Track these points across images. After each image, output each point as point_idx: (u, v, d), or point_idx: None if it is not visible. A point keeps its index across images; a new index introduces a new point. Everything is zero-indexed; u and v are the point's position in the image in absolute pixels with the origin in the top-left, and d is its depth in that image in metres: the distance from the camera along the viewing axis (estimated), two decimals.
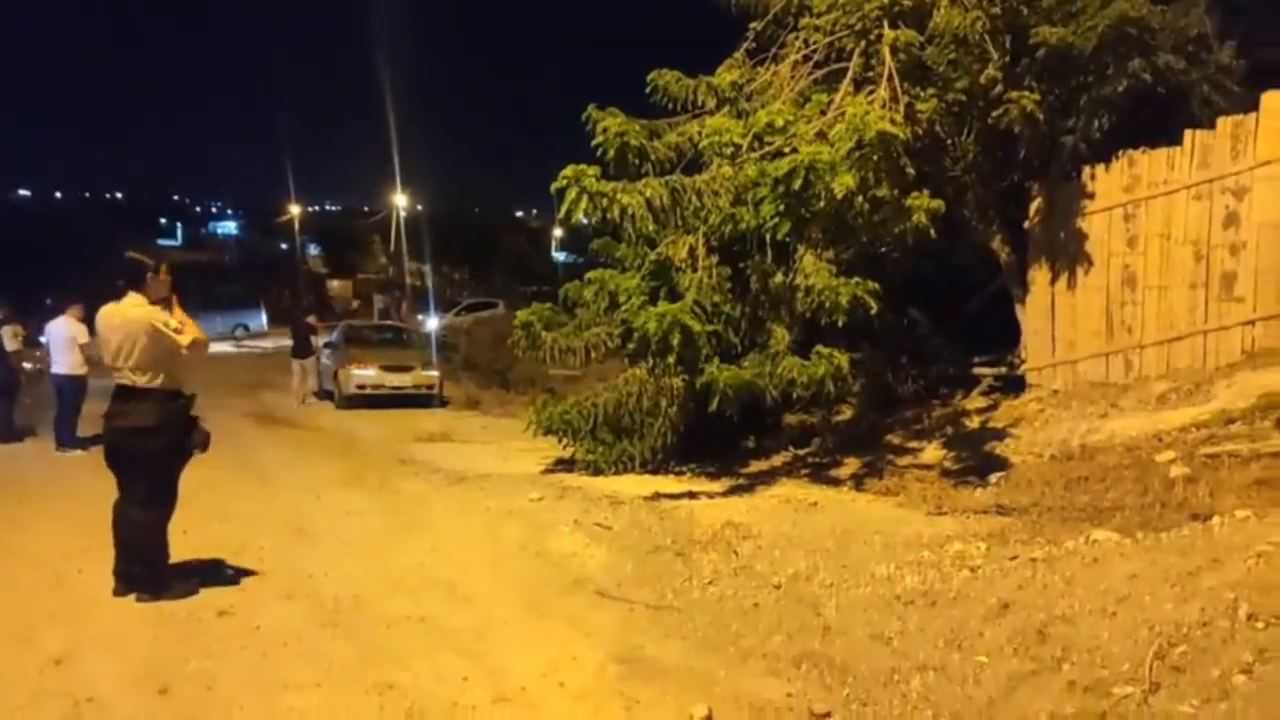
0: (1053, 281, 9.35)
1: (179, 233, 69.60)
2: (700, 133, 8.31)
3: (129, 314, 4.97)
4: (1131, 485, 6.24)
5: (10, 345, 11.10)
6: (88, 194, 76.37)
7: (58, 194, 75.14)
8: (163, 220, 70.33)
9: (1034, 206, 9.49)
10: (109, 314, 5.05)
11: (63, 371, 10.53)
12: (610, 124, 7.90)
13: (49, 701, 3.67)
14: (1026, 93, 8.40)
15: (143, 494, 5.03)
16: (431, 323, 27.39)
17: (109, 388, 5.14)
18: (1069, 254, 9.21)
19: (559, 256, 50.63)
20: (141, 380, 4.95)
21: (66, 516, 6.99)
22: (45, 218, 55.07)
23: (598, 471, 8.67)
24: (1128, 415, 7.85)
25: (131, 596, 4.93)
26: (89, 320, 10.01)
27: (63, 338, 10.55)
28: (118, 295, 5.07)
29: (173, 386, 5.07)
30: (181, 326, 5.02)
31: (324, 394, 16.65)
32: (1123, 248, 8.91)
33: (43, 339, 11.89)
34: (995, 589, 4.26)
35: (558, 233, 52.60)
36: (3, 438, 11.03)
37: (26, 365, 13.69)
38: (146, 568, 4.98)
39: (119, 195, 77.04)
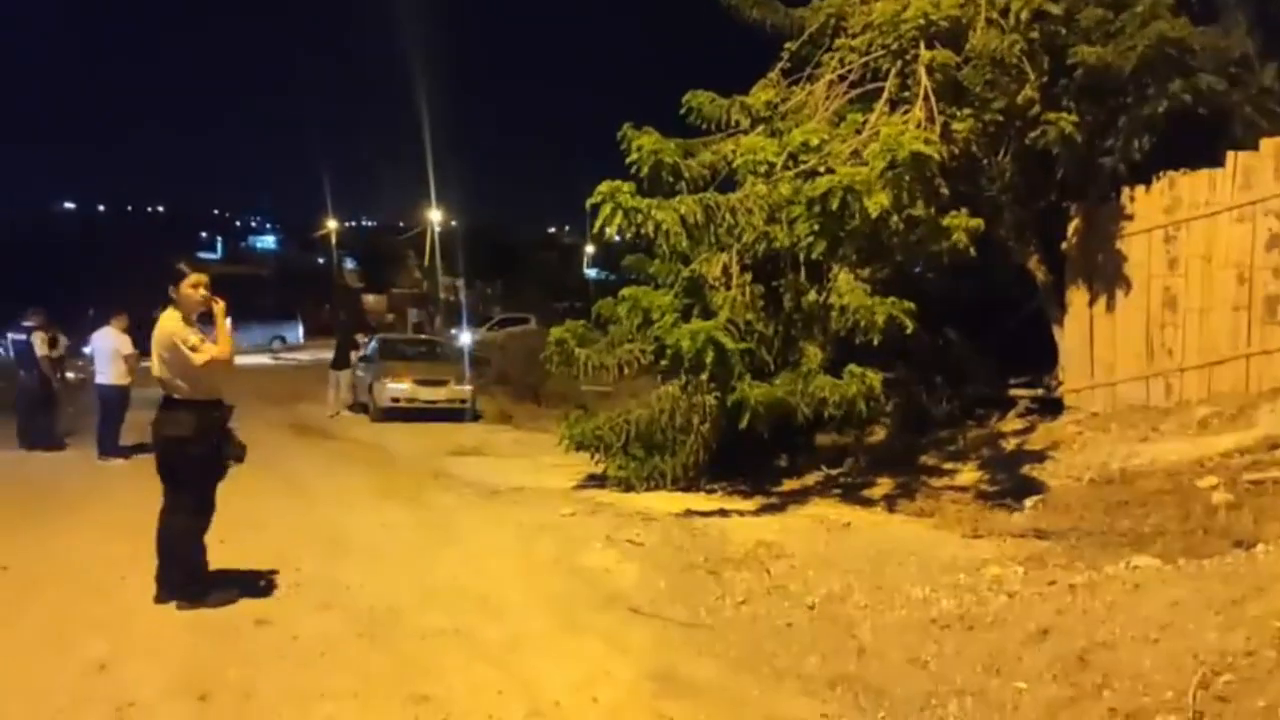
0: (1091, 303, 9.26)
1: (219, 246, 70.83)
2: (734, 151, 8.36)
3: (160, 326, 5.11)
4: (1173, 511, 6.14)
5: (40, 351, 11.31)
6: (130, 207, 78.00)
7: (100, 207, 76.81)
8: (203, 234, 71.62)
9: (1072, 227, 9.42)
10: (156, 325, 5.17)
11: (106, 381, 10.74)
12: (645, 142, 7.96)
13: (91, 707, 3.73)
14: (1065, 114, 8.36)
15: (179, 501, 5.12)
16: (465, 337, 27.60)
17: (152, 397, 5.26)
18: (1108, 275, 9.11)
19: (590, 273, 50.88)
20: (177, 391, 5.07)
21: (107, 524, 7.12)
22: (88, 231, 56.30)
23: (629, 488, 8.67)
24: (1168, 439, 7.74)
25: (172, 604, 5.00)
26: (133, 331, 10.26)
27: (107, 348, 10.77)
28: (164, 306, 5.19)
29: (208, 397, 5.16)
30: (200, 343, 5.08)
31: (359, 407, 16.83)
32: (1163, 270, 8.80)
33: (86, 349, 12.14)
34: (1034, 614, 4.21)
35: (589, 249, 52.86)
36: (44, 445, 11.25)
37: (70, 375, 13.98)
38: (186, 575, 5.06)
39: (160, 209, 78.59)
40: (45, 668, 4.14)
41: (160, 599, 5.05)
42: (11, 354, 11.48)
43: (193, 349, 5.04)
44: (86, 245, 46.08)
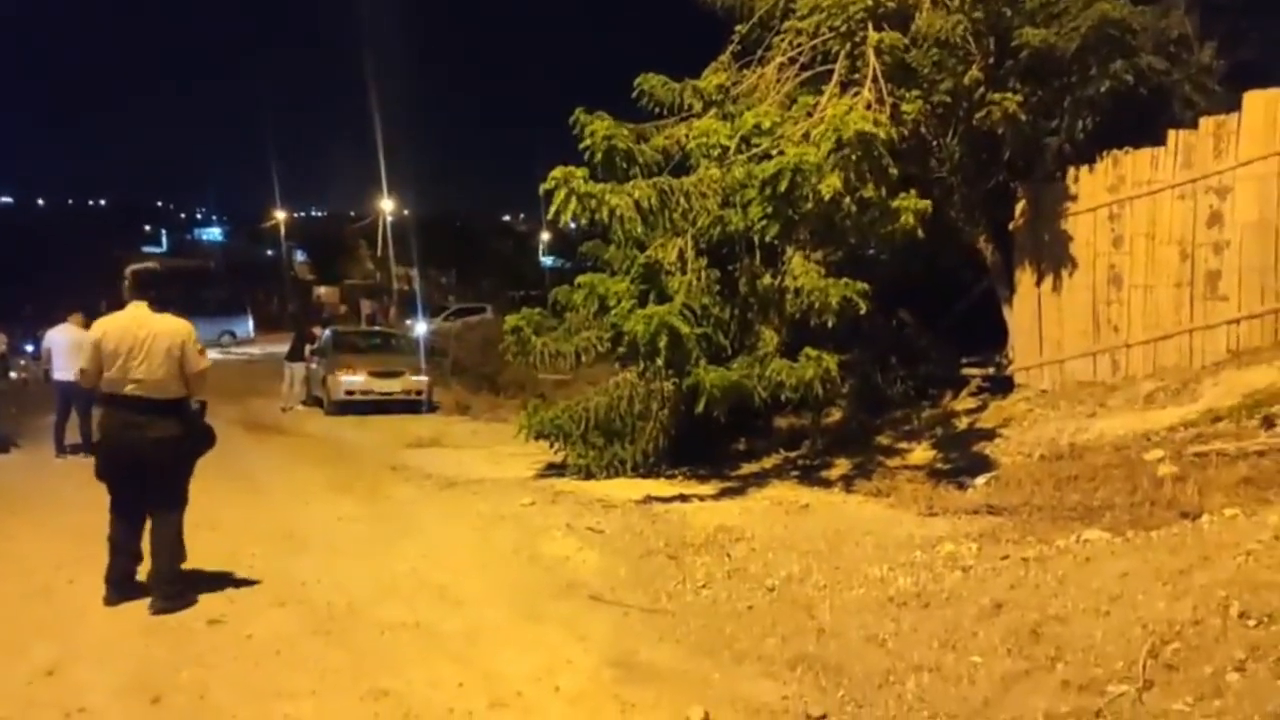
0: (1039, 282, 9.42)
1: (164, 239, 69.17)
2: (687, 135, 8.35)
3: (173, 325, 5.01)
4: (1121, 484, 6.27)
5: None
6: (70, 200, 75.89)
7: (40, 201, 74.65)
8: (147, 227, 69.89)
9: (1019, 207, 9.56)
10: (150, 323, 5.00)
11: (68, 378, 10.52)
12: (598, 127, 7.91)
13: (40, 712, 3.64)
14: (1009, 94, 8.47)
15: (174, 501, 5.08)
16: (420, 328, 27.30)
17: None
18: (1054, 254, 9.27)
19: (547, 261, 50.58)
20: (166, 392, 4.96)
21: (54, 526, 6.95)
22: (27, 225, 54.70)
23: (589, 475, 8.66)
24: (1116, 414, 7.91)
25: (134, 606, 4.87)
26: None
27: (68, 344, 10.54)
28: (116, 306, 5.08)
29: (197, 397, 5.18)
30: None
31: (313, 400, 16.58)
32: (1108, 248, 8.98)
33: (28, 347, 11.82)
34: (988, 589, 4.28)
35: (545, 237, 52.57)
36: None
37: (12, 374, 13.61)
38: (174, 575, 4.96)
39: (102, 202, 76.56)
40: None
41: (112, 601, 4.93)
42: None
43: (200, 353, 5.04)
44: (25, 241, 44.71)
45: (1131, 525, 5.12)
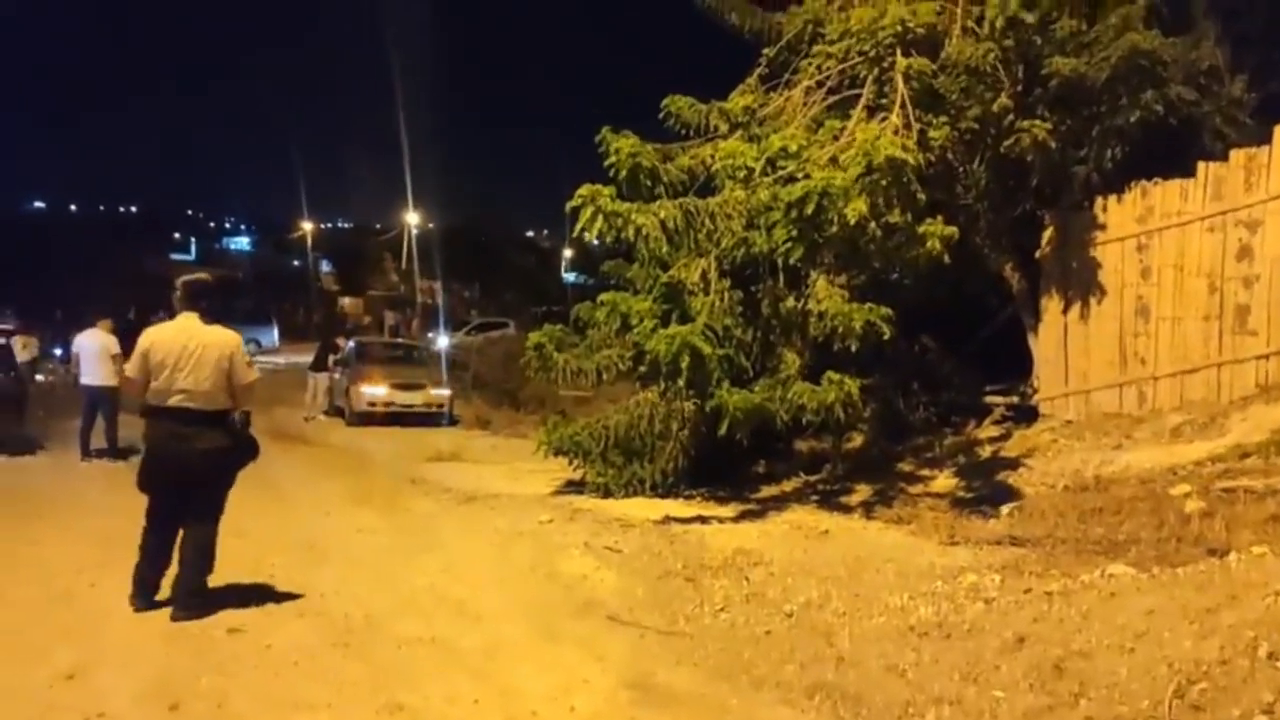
0: (1065, 311, 9.35)
1: (193, 247, 69.98)
2: (713, 156, 8.38)
3: (222, 336, 5.04)
4: (1146, 519, 6.21)
5: (21, 356, 11.19)
6: (102, 207, 77.02)
7: (72, 207, 75.78)
8: (177, 235, 70.74)
9: (1046, 236, 9.51)
10: (199, 334, 5.01)
11: (96, 382, 10.68)
12: (624, 146, 7.96)
13: (60, 716, 3.65)
14: (1039, 122, 8.45)
15: (211, 512, 5.12)
16: (442, 341, 27.43)
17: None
18: (1081, 284, 9.21)
19: (569, 277, 50.72)
20: (214, 403, 4.99)
21: (78, 530, 7.00)
22: (58, 231, 55.52)
23: (608, 494, 8.65)
24: (1142, 447, 7.82)
25: (156, 613, 4.88)
26: (123, 334, 10.24)
27: (96, 349, 10.68)
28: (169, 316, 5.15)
29: (243, 408, 5.19)
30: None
31: (335, 410, 16.68)
32: (1136, 278, 8.91)
33: (57, 351, 12.00)
34: (1010, 622, 4.24)
35: (568, 253, 52.72)
36: (15, 448, 11.07)
37: (40, 377, 13.79)
38: (201, 586, 4.99)
39: (133, 209, 77.62)
40: (12, 676, 4.04)
41: (138, 607, 4.94)
42: None
43: (248, 365, 5.08)
44: (56, 246, 45.38)
45: (1157, 561, 5.06)
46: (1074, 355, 9.34)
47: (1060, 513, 6.80)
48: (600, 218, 7.32)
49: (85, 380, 10.83)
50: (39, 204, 73.83)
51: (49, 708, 3.74)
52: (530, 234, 73.11)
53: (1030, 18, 8.37)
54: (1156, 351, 8.77)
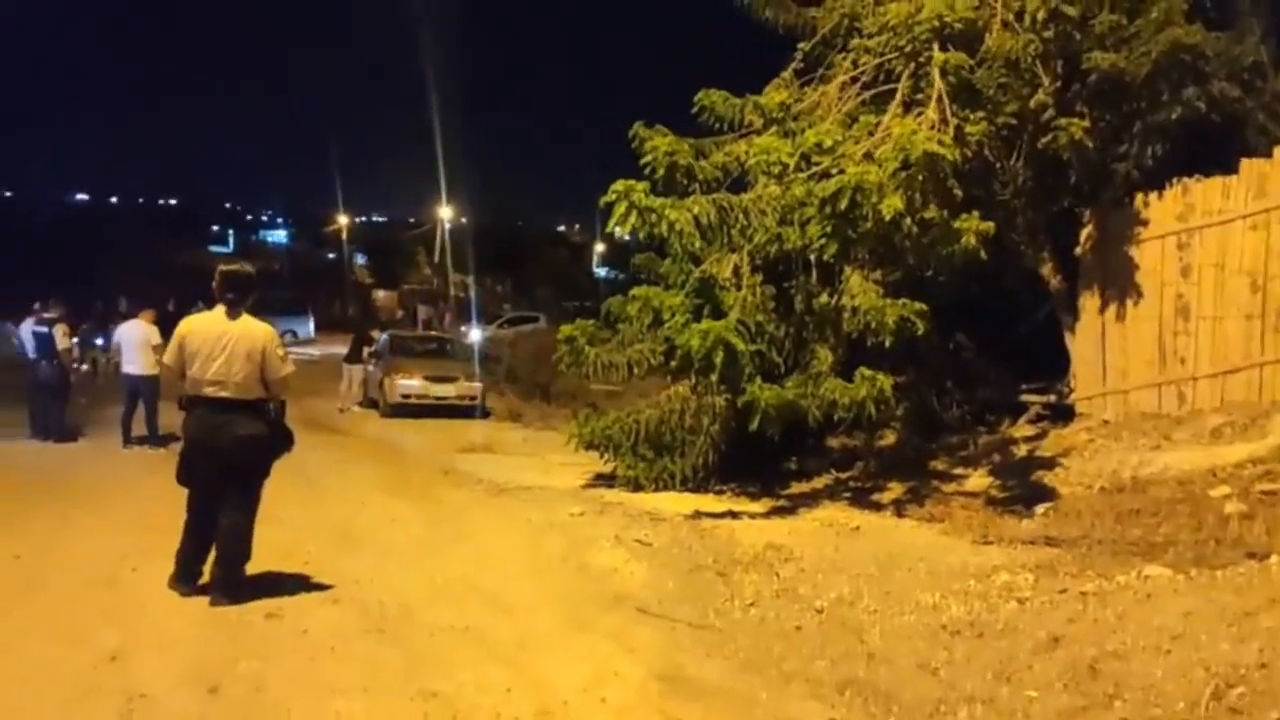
0: (1103, 309, 9.22)
1: (230, 240, 70.88)
2: (747, 152, 8.34)
3: (256, 328, 5.14)
4: (1185, 520, 6.12)
5: (61, 344, 11.45)
6: (141, 200, 78.15)
7: (113, 199, 76.97)
8: (215, 227, 71.64)
9: (1085, 233, 9.38)
10: (235, 324, 5.10)
11: (136, 371, 10.93)
12: (659, 143, 7.97)
13: (103, 698, 3.74)
14: (1076, 119, 8.33)
15: (248, 499, 5.20)
16: (475, 334, 27.62)
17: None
18: (1120, 282, 9.07)
19: (600, 272, 50.85)
20: (250, 393, 5.07)
21: (119, 515, 7.17)
22: (100, 222, 56.55)
23: (638, 488, 8.68)
24: (1181, 448, 7.70)
25: (196, 599, 4.99)
26: (164, 325, 10.50)
27: (137, 338, 10.92)
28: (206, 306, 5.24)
29: (277, 399, 5.29)
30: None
31: (369, 402, 16.88)
32: (1176, 277, 8.76)
33: (98, 340, 12.23)
34: (1044, 622, 4.21)
35: (599, 248, 52.85)
36: (58, 436, 11.32)
37: (83, 366, 14.06)
38: (239, 572, 5.09)
39: (173, 201, 78.70)
40: (56, 658, 4.15)
41: (182, 593, 5.05)
42: (28, 345, 11.53)
43: (282, 359, 5.17)
44: (98, 237, 46.26)
45: (1195, 563, 5.00)
46: (1112, 354, 9.21)
47: (1096, 513, 6.72)
48: (634, 213, 7.33)
49: (126, 369, 11.08)
50: (82, 196, 75.11)
51: (93, 688, 3.84)
52: (561, 228, 73.33)
53: (1072, 11, 8.24)
54: (1196, 351, 8.61)
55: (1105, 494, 7.23)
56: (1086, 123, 8.34)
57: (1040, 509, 7.15)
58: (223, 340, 5.00)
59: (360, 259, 63.39)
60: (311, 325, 37.16)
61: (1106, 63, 8.50)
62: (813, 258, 8.00)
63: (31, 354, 11.46)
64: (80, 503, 7.71)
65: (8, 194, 65.20)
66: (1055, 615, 4.29)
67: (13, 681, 3.87)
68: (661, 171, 7.85)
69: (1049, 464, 8.22)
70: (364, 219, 67.90)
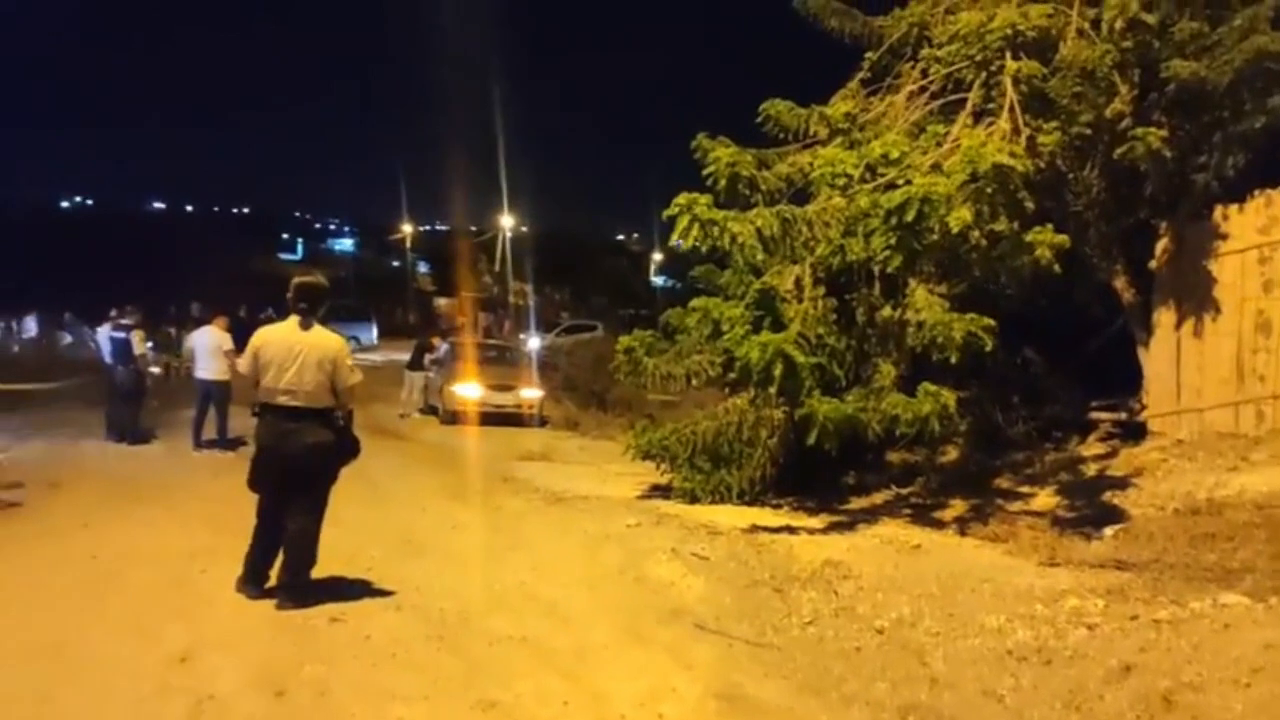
0: (1179, 325, 8.93)
1: (299, 248, 72.68)
2: (812, 163, 8.28)
3: (327, 339, 5.27)
4: (1263, 546, 5.87)
5: (138, 350, 11.83)
6: (216, 208, 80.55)
7: (189, 207, 79.50)
8: (285, 235, 73.50)
9: (1161, 246, 9.11)
10: (306, 334, 5.23)
11: (209, 376, 11.27)
12: (722, 154, 7.94)
13: (174, 697, 3.85)
14: (1154, 129, 8.10)
15: (316, 504, 5.32)
16: (533, 342, 27.86)
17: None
18: (1198, 296, 8.79)
19: (658, 280, 50.96)
20: (319, 401, 5.19)
21: (190, 516, 7.37)
22: (176, 231, 58.36)
23: (694, 500, 8.63)
24: (1259, 470, 7.41)
25: (263, 601, 5.11)
26: (236, 332, 10.88)
27: (210, 345, 11.26)
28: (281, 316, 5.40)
29: (345, 408, 5.40)
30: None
31: (430, 409, 17.11)
32: (1257, 292, 8.46)
33: (186, 346, 12.67)
34: (1115, 649, 4.07)
35: (657, 257, 52.98)
36: (133, 438, 11.70)
37: (155, 370, 14.53)
38: (305, 576, 5.21)
39: (245, 210, 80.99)
40: (130, 656, 4.29)
41: (250, 595, 5.17)
42: (105, 350, 11.96)
43: (351, 369, 5.30)
44: (173, 245, 47.73)
45: (1275, 591, 4.79)
46: (1187, 371, 8.91)
47: (1169, 536, 6.49)
48: (696, 226, 7.32)
49: (199, 374, 11.42)
50: (158, 204, 77.71)
51: (163, 687, 3.95)
52: (620, 237, 73.66)
53: (1151, 19, 8.02)
54: (1277, 369, 8.29)
55: (1179, 516, 6.97)
56: (1165, 132, 8.10)
57: (1110, 531, 6.93)
58: (295, 350, 5.13)
59: (423, 267, 64.43)
60: (375, 332, 37.82)
61: (1187, 71, 8.24)
62: (876, 270, 7.89)
63: (109, 359, 11.87)
64: (153, 504, 7.96)
65: (89, 201, 67.76)
66: (1126, 643, 4.15)
67: (89, 679, 4.00)
68: (723, 183, 7.83)
69: (1120, 484, 7.97)
70: (427, 227, 69.02)
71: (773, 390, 7.35)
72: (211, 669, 4.16)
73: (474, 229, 59.89)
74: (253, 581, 5.21)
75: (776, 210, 7.61)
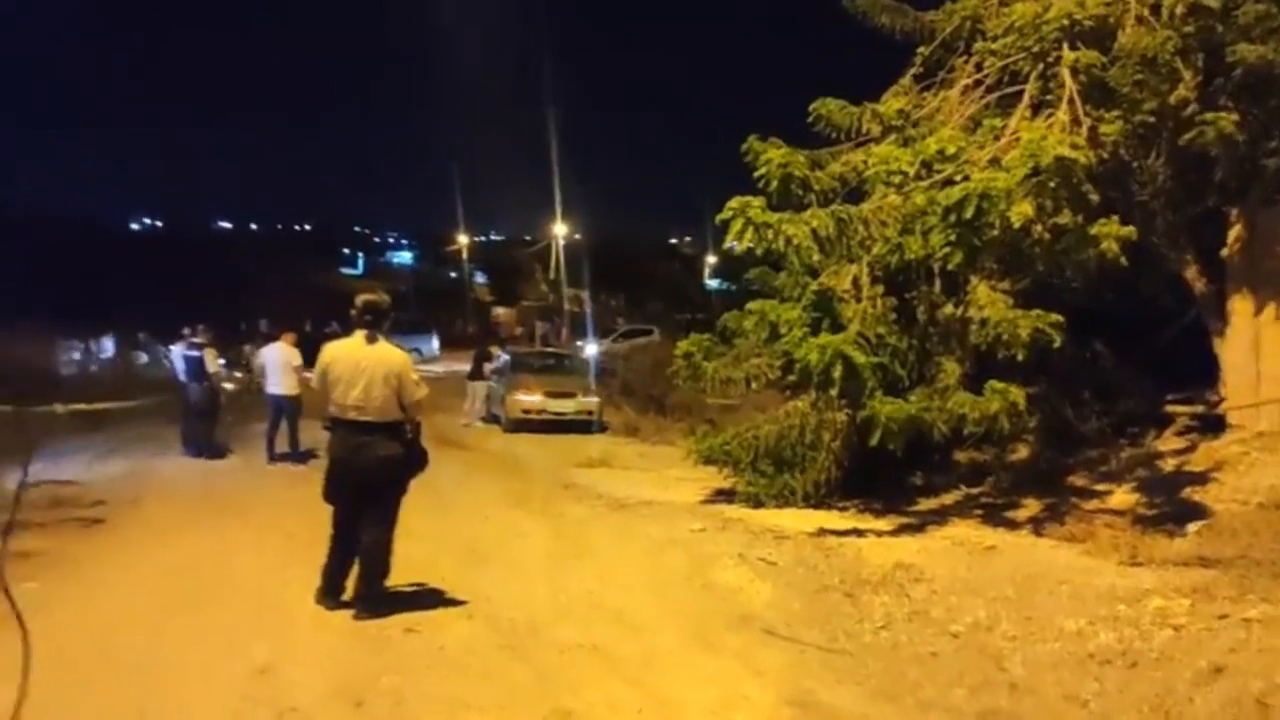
0: (1257, 313, 8.63)
1: (360, 262, 73.98)
2: (865, 162, 8.20)
3: (391, 354, 5.38)
4: None
5: (211, 368, 12.18)
6: (279, 226, 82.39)
7: (253, 226, 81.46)
8: (346, 250, 74.82)
9: (1233, 233, 8.81)
10: (372, 349, 5.34)
11: (279, 391, 11.58)
12: (774, 156, 7.88)
13: (257, 709, 3.93)
14: (1223, 114, 7.84)
15: (387, 516, 5.42)
16: (590, 349, 27.99)
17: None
18: (1275, 284, 8.49)
19: (712, 284, 50.82)
20: (387, 415, 5.30)
21: (266, 529, 7.55)
22: (243, 249, 59.90)
23: (758, 504, 8.60)
24: None
25: (340, 612, 5.22)
26: (302, 347, 11.18)
27: (279, 361, 11.59)
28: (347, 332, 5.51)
29: (413, 421, 5.51)
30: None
31: (491, 417, 17.32)
32: None
33: (259, 362, 13.03)
34: (1204, 651, 3.95)
35: (711, 260, 52.85)
36: (209, 453, 12.05)
37: (228, 386, 14.93)
38: (380, 587, 5.32)
39: (307, 227, 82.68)
40: (213, 668, 4.39)
41: (328, 606, 5.28)
42: (179, 368, 12.34)
43: (416, 383, 5.40)
44: (238, 264, 49.01)
45: None
46: (1267, 361, 8.59)
47: (1254, 532, 6.27)
48: (750, 229, 7.29)
49: (270, 390, 11.72)
50: (225, 224, 79.76)
51: (245, 699, 4.03)
52: (673, 241, 73.56)
53: (1213, 3, 7.76)
54: None
55: (1263, 511, 6.73)
56: (1235, 116, 7.83)
57: (1192, 527, 6.72)
58: (361, 366, 5.24)
59: (480, 277, 65.19)
60: (436, 343, 38.35)
61: (1253, 55, 7.95)
62: (936, 267, 7.77)
63: (183, 376, 12.24)
64: (230, 517, 8.17)
65: (158, 223, 69.95)
66: (1215, 643, 4.02)
67: (175, 694, 4.10)
68: (775, 184, 7.77)
69: (1200, 479, 7.71)
70: (483, 238, 69.85)
71: (833, 392, 7.29)
72: (292, 681, 4.24)
73: (529, 238, 60.50)
74: (330, 593, 5.33)
75: (831, 211, 7.55)
